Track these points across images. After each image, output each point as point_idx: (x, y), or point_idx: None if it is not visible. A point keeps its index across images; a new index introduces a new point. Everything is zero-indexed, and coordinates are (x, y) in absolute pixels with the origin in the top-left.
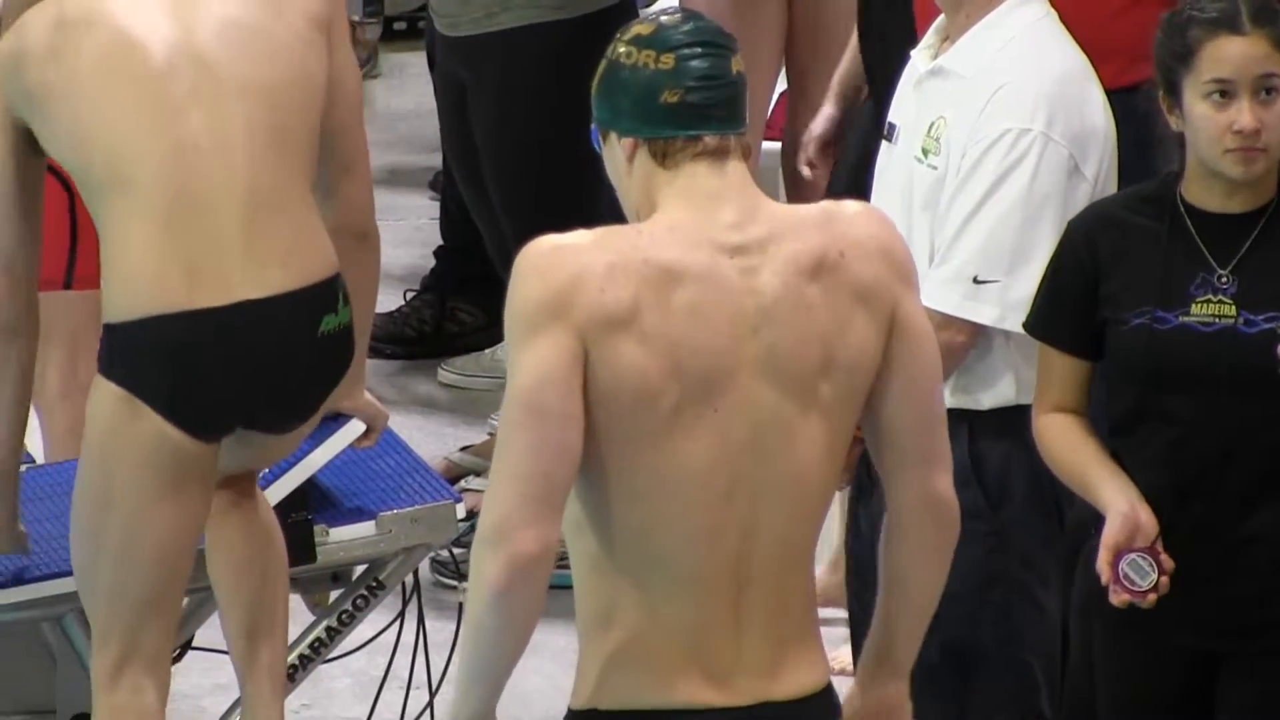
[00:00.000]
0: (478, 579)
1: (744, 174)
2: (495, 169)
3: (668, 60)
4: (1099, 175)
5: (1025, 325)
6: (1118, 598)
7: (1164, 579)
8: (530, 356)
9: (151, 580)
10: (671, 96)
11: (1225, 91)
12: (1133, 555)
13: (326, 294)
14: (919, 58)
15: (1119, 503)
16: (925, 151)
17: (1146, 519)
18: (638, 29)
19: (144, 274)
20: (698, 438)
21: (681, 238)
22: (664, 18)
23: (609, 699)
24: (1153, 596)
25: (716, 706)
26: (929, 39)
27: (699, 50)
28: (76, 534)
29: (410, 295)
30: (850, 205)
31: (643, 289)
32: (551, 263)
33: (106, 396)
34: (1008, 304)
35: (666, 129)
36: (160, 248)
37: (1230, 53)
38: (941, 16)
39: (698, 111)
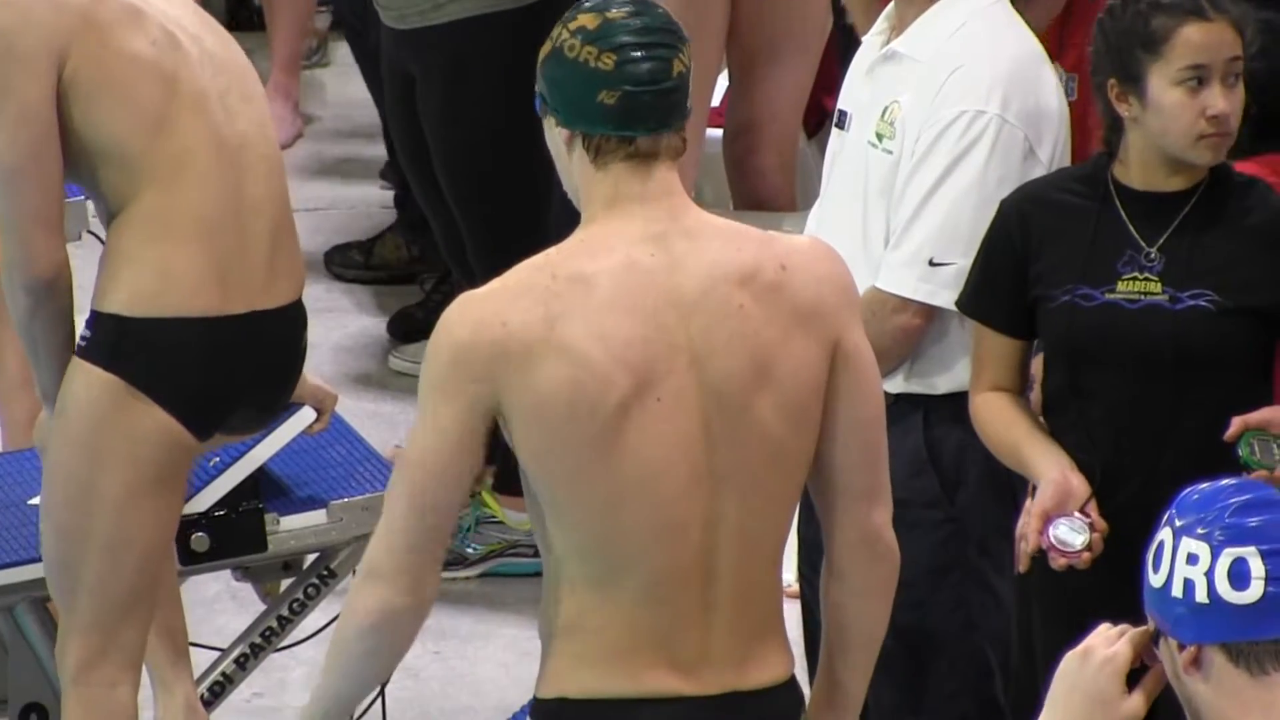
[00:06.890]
0: (350, 605)
1: (671, 179)
2: (445, 162)
3: (608, 60)
4: (1053, 157)
5: (958, 303)
6: (1055, 562)
7: (1097, 537)
8: (426, 414)
9: (140, 576)
10: (609, 98)
11: (1201, 78)
12: (1062, 519)
13: (304, 308)
14: (870, 44)
15: (1051, 471)
16: (880, 136)
17: (1078, 485)
18: (584, 19)
19: (184, 273)
20: (649, 431)
21: (594, 245)
22: (612, 10)
23: (577, 689)
24: (1087, 556)
25: (686, 695)
26: (880, 25)
27: (641, 53)
28: (53, 527)
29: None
30: (798, 236)
31: (552, 303)
32: (455, 317)
33: (97, 385)
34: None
35: (600, 127)
36: (205, 249)
37: (1202, 39)
38: (892, 3)
39: (633, 114)
